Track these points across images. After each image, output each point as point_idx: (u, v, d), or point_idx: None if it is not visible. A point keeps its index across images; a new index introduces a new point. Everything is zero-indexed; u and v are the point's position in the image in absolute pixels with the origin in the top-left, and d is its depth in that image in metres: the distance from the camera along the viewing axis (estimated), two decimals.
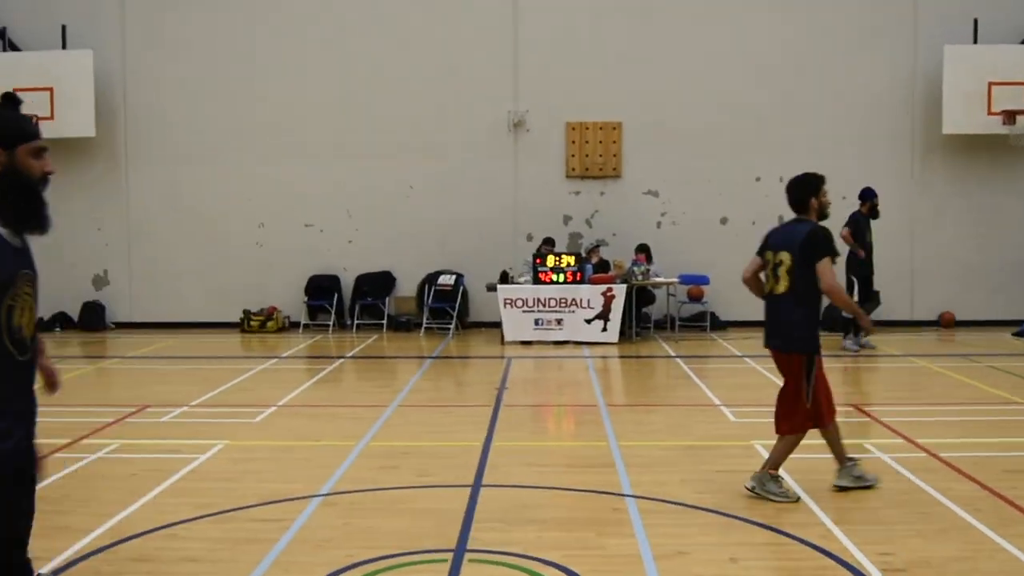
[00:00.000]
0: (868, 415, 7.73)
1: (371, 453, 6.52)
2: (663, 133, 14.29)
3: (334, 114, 14.52)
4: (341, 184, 14.58)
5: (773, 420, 5.44)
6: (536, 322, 12.54)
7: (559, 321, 12.53)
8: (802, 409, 5.25)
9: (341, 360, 11.58)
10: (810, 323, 5.23)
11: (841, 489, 5.42)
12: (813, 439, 6.77)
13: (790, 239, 5.24)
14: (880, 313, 13.01)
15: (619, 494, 5.47)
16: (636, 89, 14.32)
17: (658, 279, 13.10)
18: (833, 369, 10.78)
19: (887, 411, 7.87)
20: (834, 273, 5.16)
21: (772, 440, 6.64)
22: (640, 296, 13.13)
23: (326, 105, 14.51)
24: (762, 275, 5.46)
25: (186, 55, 14.61)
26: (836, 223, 12.35)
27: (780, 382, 5.49)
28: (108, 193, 14.74)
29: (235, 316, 14.42)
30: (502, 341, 12.58)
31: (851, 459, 5.50)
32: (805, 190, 5.34)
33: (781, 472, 5.42)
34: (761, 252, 5.46)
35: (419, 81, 14.42)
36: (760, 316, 5.51)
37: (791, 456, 5.49)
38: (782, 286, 5.23)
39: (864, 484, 5.43)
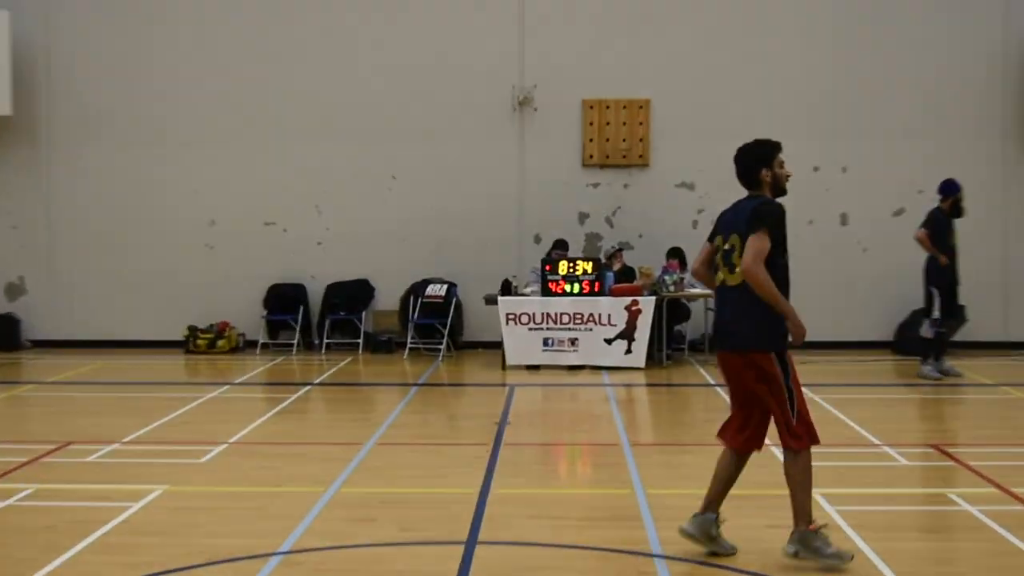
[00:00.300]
0: (952, 458, 7.67)
1: (343, 502, 6.47)
2: (700, 113, 14.27)
3: (301, 90, 14.52)
4: (309, 174, 14.57)
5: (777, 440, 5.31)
6: (545, 342, 12.50)
7: (573, 341, 12.49)
8: (793, 423, 5.10)
9: (307, 387, 11.53)
10: (774, 317, 5.12)
11: (686, 533, 5.32)
12: (879, 487, 6.71)
13: (739, 219, 5.22)
14: (967, 332, 12.96)
15: (647, 554, 5.41)
16: (668, 59, 14.31)
17: (694, 290, 13.05)
18: (909, 401, 10.77)
19: (975, 453, 7.80)
20: (761, 253, 4.99)
21: (839, 489, 6.61)
22: (672, 311, 13.08)
23: (291, 80, 14.52)
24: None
25: (122, 20, 14.63)
26: (910, 222, 12.44)
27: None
28: (26, 184, 14.75)
29: (179, 333, 14.40)
30: (503, 365, 12.54)
31: (716, 514, 5.37)
32: (753, 160, 5.33)
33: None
34: (712, 237, 5.47)
35: (404, 50, 14.43)
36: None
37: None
38: (737, 276, 5.18)
39: (716, 548, 5.30)
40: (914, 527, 6.13)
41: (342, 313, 14.46)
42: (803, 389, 5.30)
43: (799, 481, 5.19)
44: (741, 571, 5.14)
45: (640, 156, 14.36)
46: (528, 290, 13.05)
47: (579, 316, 12.46)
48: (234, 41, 14.57)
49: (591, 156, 14.36)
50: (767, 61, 14.28)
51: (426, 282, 14.23)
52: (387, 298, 14.63)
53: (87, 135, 14.69)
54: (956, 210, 11.59)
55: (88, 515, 6.10)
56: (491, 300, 12.89)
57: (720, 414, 9.82)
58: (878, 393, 11.01)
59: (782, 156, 5.36)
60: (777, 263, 5.15)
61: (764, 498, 6.49)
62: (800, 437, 5.14)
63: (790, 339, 5.19)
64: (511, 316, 12.54)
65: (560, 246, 13.60)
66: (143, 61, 14.63)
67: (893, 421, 9.24)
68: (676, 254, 13.46)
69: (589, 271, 12.52)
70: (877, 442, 8.17)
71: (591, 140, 14.37)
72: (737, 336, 5.21)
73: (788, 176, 5.38)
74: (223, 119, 14.57)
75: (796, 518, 5.21)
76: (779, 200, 5.33)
